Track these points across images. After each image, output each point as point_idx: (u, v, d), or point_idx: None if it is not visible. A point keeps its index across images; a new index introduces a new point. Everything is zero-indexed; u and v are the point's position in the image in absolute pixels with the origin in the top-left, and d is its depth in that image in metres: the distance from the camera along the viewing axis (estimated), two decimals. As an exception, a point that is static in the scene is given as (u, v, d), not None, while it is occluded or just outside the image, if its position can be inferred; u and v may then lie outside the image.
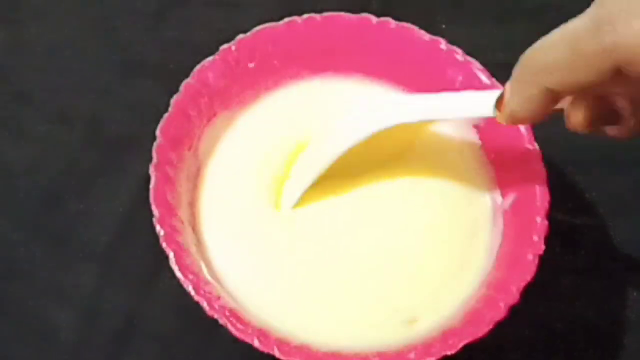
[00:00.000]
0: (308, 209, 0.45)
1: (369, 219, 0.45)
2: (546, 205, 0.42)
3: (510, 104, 0.36)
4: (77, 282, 0.46)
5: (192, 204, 0.44)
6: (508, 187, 0.45)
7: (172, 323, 0.45)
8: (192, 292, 0.39)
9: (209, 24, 0.55)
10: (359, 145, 0.43)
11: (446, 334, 0.39)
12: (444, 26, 0.54)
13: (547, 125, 0.51)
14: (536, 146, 0.44)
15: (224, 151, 0.47)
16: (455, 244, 0.45)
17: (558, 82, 0.33)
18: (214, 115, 0.46)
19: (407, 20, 0.48)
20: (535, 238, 0.41)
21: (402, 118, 0.42)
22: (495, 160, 0.46)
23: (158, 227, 0.40)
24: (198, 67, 0.46)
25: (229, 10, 0.56)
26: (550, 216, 0.42)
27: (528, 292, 0.40)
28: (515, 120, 0.36)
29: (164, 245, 0.40)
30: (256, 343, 0.38)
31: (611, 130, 0.37)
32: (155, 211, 0.41)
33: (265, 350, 0.38)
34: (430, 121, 0.45)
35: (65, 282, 0.46)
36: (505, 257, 0.42)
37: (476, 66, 0.47)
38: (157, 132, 0.43)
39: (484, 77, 0.46)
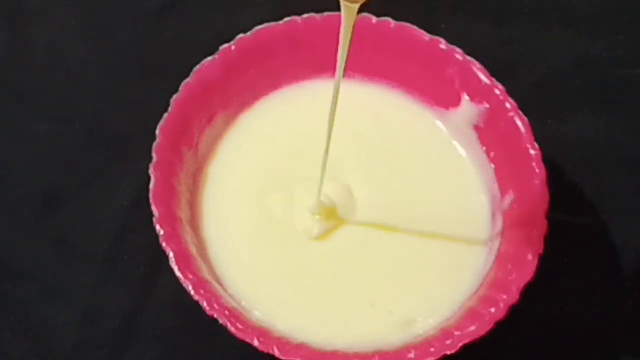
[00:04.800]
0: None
1: (367, 221, 0.45)
2: (546, 205, 0.42)
3: None
4: (77, 282, 0.46)
5: (192, 204, 0.44)
6: (508, 187, 0.45)
7: (172, 323, 0.45)
8: (192, 292, 0.39)
9: (209, 24, 0.55)
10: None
11: (446, 334, 0.39)
12: (444, 26, 0.54)
13: (547, 125, 0.52)
14: (536, 146, 0.44)
15: (224, 151, 0.47)
16: (454, 244, 0.45)
17: None
18: (214, 115, 0.46)
19: (407, 20, 0.48)
20: (535, 238, 0.41)
21: None
22: (495, 160, 0.46)
23: (158, 227, 0.40)
24: (198, 67, 0.46)
25: (229, 10, 0.56)
26: (550, 216, 0.42)
27: (528, 292, 0.40)
28: None
29: (164, 245, 0.40)
30: (256, 343, 0.38)
31: None
32: (155, 211, 0.41)
33: (265, 350, 0.38)
34: None
35: (65, 282, 0.46)
36: (505, 257, 0.42)
37: (476, 66, 0.47)
38: (157, 132, 0.43)
39: (484, 77, 0.46)
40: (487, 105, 0.46)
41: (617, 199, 0.50)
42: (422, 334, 0.41)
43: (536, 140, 0.44)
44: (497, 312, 0.39)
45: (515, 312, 0.40)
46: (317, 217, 0.44)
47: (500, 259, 0.43)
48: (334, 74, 0.47)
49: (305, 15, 0.48)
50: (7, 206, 0.49)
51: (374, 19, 0.48)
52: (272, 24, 0.47)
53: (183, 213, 0.43)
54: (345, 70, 0.39)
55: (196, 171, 0.45)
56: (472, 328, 0.39)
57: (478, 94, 0.46)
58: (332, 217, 0.44)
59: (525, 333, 0.45)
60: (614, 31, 0.57)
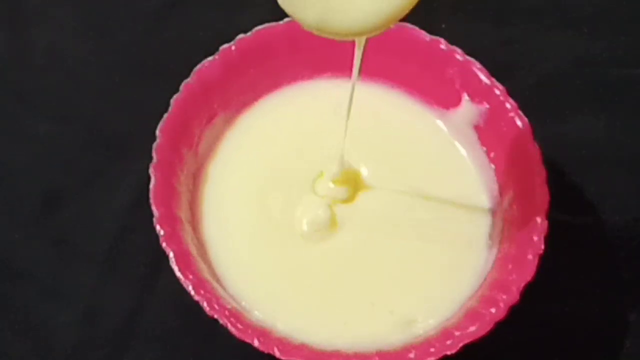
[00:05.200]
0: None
1: (368, 220, 0.45)
2: (546, 205, 0.42)
3: None
4: (77, 282, 0.46)
5: (192, 204, 0.44)
6: (508, 187, 0.45)
7: (172, 323, 0.45)
8: (192, 292, 0.39)
9: (209, 24, 0.55)
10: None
11: (446, 334, 0.39)
12: (444, 26, 0.54)
13: (547, 125, 0.52)
14: (536, 146, 0.44)
15: (224, 151, 0.47)
16: (454, 244, 0.45)
17: None
18: (214, 115, 0.46)
19: (407, 20, 0.48)
20: (535, 238, 0.41)
21: None
22: (495, 160, 0.46)
23: (158, 227, 0.40)
24: (198, 67, 0.46)
25: (229, 10, 0.56)
26: (550, 216, 0.42)
27: (528, 292, 0.40)
28: None
29: (164, 245, 0.40)
30: (256, 343, 0.38)
31: None
32: (155, 211, 0.41)
33: (265, 350, 0.38)
34: None
35: (65, 282, 0.46)
36: (505, 257, 0.42)
37: (476, 66, 0.47)
38: (157, 132, 0.43)
39: (484, 77, 0.46)
40: (487, 105, 0.46)
41: (617, 199, 0.50)
42: (422, 334, 0.41)
43: (536, 140, 0.44)
44: (497, 312, 0.39)
45: (515, 312, 0.40)
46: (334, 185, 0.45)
47: (500, 259, 0.43)
48: (334, 74, 0.47)
49: (306, 15, 0.48)
50: (7, 206, 0.49)
51: (374, 19, 0.47)
52: (272, 24, 0.47)
53: (183, 213, 0.43)
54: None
55: (196, 171, 0.45)
56: (472, 328, 0.39)
57: (478, 94, 0.47)
58: (350, 181, 0.45)
59: (525, 333, 0.45)
60: (614, 31, 0.57)
